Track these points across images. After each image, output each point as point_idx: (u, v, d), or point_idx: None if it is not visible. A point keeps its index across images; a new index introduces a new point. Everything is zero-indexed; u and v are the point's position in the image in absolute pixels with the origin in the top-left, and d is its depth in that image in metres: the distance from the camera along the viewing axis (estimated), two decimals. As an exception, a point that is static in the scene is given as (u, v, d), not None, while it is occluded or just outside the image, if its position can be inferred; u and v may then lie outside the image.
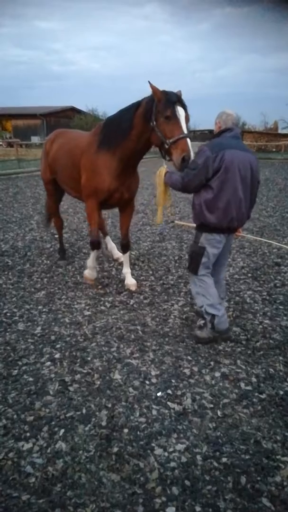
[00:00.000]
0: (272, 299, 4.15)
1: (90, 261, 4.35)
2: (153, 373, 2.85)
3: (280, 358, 3.09)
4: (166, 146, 3.18)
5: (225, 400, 2.58)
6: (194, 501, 1.88)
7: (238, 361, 3.03)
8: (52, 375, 2.82)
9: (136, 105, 3.50)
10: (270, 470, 2.06)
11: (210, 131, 40.35)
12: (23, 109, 40.97)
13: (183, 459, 2.11)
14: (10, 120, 40.99)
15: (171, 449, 2.18)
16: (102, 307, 3.92)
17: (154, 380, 2.77)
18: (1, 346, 3.22)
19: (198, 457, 2.13)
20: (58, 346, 3.21)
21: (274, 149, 31.00)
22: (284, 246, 5.08)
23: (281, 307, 3.97)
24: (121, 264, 4.64)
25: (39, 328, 3.49)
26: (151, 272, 4.87)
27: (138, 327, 3.51)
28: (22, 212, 8.43)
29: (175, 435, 2.28)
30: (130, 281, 4.36)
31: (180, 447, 2.19)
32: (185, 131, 3.13)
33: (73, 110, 40.73)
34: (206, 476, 2.02)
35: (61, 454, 2.14)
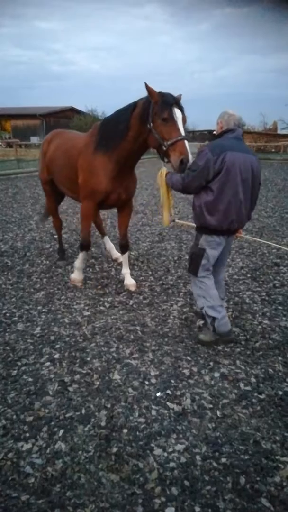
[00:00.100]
0: (271, 299, 4.16)
1: (78, 263, 4.38)
2: (152, 373, 2.85)
3: (279, 358, 3.09)
4: (164, 148, 3.19)
5: (225, 401, 2.58)
6: (194, 501, 1.88)
7: (238, 362, 3.03)
8: (52, 376, 2.82)
9: (133, 106, 3.50)
10: (270, 470, 2.07)
11: (210, 132, 40.46)
12: (23, 109, 40.97)
13: (183, 460, 2.11)
14: (10, 120, 40.96)
15: (170, 450, 2.18)
16: (102, 308, 3.92)
17: (153, 381, 2.77)
18: (1, 346, 3.22)
19: (198, 457, 2.13)
20: (57, 346, 3.21)
21: (273, 150, 31.01)
22: (283, 247, 5.08)
23: (280, 307, 3.97)
24: (120, 264, 4.64)
25: (39, 328, 3.49)
26: (150, 273, 4.87)
27: (138, 328, 3.51)
28: (21, 213, 8.43)
29: (174, 436, 2.28)
30: (130, 282, 4.37)
31: (179, 447, 2.19)
32: (183, 133, 3.14)
33: (73, 111, 40.71)
34: (205, 476, 2.02)
35: (61, 454, 2.14)
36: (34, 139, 32.80)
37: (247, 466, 2.08)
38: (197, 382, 2.77)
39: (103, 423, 2.36)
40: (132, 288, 4.31)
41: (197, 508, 1.85)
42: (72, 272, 4.55)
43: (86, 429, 2.32)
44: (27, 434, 2.29)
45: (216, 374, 2.86)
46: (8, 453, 2.15)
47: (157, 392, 2.65)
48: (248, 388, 2.72)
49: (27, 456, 2.13)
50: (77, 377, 2.81)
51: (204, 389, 2.69)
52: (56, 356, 3.07)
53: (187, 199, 9.37)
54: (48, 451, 2.17)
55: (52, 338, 3.33)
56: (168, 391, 2.66)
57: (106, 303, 4.01)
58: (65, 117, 38.61)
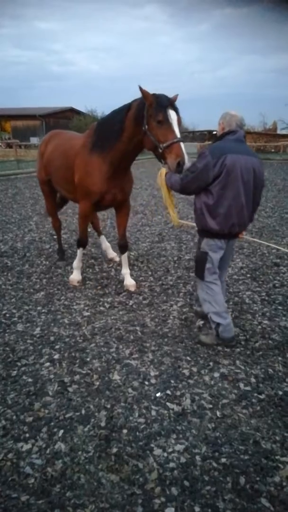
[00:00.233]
0: (271, 299, 4.16)
1: (76, 262, 4.50)
2: (152, 373, 2.85)
3: (279, 358, 3.09)
4: (160, 151, 3.18)
5: (224, 401, 2.58)
6: (193, 501, 1.88)
7: (237, 362, 3.03)
8: (51, 376, 2.82)
9: (127, 107, 3.50)
10: (269, 470, 2.07)
11: (210, 132, 40.49)
12: (22, 110, 41.00)
13: (182, 460, 2.11)
14: (9, 121, 40.99)
15: (170, 450, 2.18)
16: (101, 308, 3.92)
17: (153, 381, 2.77)
18: (0, 347, 3.22)
19: (197, 457, 2.13)
20: (57, 347, 3.21)
21: (273, 150, 31.03)
22: (282, 248, 5.07)
23: (280, 307, 3.97)
24: (120, 264, 4.64)
25: (38, 329, 3.49)
26: (150, 273, 4.88)
27: (137, 328, 3.51)
28: (21, 213, 8.43)
29: (174, 436, 2.28)
30: (129, 282, 4.37)
31: (179, 447, 2.19)
32: (178, 135, 3.13)
33: (72, 111, 40.74)
34: (205, 476, 2.02)
35: (60, 454, 2.14)
36: (34, 140, 32.84)
37: (247, 466, 2.08)
38: (197, 382, 2.77)
39: (103, 424, 2.36)
40: (132, 289, 4.32)
41: (197, 508, 1.85)
42: (72, 273, 4.56)
43: (86, 429, 2.32)
44: (27, 435, 2.29)
45: (216, 374, 2.86)
46: (8, 453, 2.15)
47: (157, 393, 2.65)
48: (248, 388, 2.72)
49: (27, 457, 2.13)
50: (77, 377, 2.81)
51: (204, 389, 2.69)
52: (56, 356, 3.07)
53: (186, 199, 9.37)
54: (48, 451, 2.17)
55: (52, 338, 3.33)
56: (168, 392, 2.66)
57: (106, 304, 4.01)
58: (65, 117, 38.64)
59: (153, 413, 2.46)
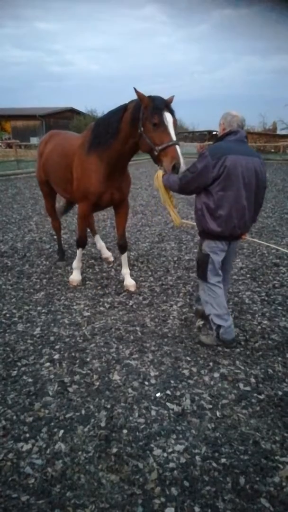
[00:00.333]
0: (270, 299, 4.16)
1: (76, 263, 4.51)
2: (152, 373, 2.86)
3: (279, 358, 3.09)
4: (156, 153, 3.18)
5: (224, 401, 2.59)
6: (193, 501, 1.89)
7: (237, 362, 3.03)
8: (52, 376, 2.83)
9: (123, 109, 3.50)
10: (269, 470, 2.07)
11: (210, 132, 40.49)
12: (22, 110, 40.97)
13: (182, 460, 2.12)
14: (9, 121, 40.98)
15: (170, 450, 2.18)
16: (101, 308, 3.93)
17: (153, 381, 2.78)
18: (1, 347, 3.22)
19: (197, 457, 2.13)
20: (57, 347, 3.21)
21: (272, 150, 31.06)
22: (282, 249, 5.07)
23: (279, 307, 3.97)
24: (120, 265, 4.65)
25: (38, 329, 3.50)
26: (150, 273, 4.88)
27: (137, 328, 3.51)
28: (21, 213, 8.43)
29: (174, 436, 2.28)
30: (129, 282, 4.37)
31: (179, 447, 2.20)
32: (174, 137, 3.13)
33: (73, 111, 40.74)
34: (205, 476, 2.02)
35: (61, 455, 2.15)
36: (34, 140, 32.81)
37: (246, 467, 2.08)
38: (197, 383, 2.78)
39: (103, 424, 2.36)
40: (132, 289, 4.32)
41: (196, 509, 1.85)
42: (72, 273, 4.56)
43: (86, 429, 2.33)
44: (27, 435, 2.29)
45: (216, 375, 2.86)
46: (8, 453, 2.15)
47: (157, 393, 2.65)
48: (248, 388, 2.72)
49: (27, 457, 2.13)
50: (77, 377, 2.81)
51: (204, 390, 2.70)
52: (56, 356, 3.07)
53: (186, 199, 9.38)
54: (48, 451, 2.17)
55: (52, 338, 3.34)
56: (168, 392, 2.66)
57: (106, 304, 4.01)
58: (65, 117, 38.63)
59: (153, 413, 2.46)
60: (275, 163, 22.41)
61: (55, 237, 5.84)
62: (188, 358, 3.07)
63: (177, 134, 3.22)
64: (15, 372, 2.89)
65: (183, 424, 2.38)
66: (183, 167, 3.03)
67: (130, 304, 4.02)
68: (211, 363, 3.01)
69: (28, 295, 4.23)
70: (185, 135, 43.44)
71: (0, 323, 3.62)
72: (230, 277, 3.59)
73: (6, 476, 2.02)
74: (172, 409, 2.50)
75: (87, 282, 4.56)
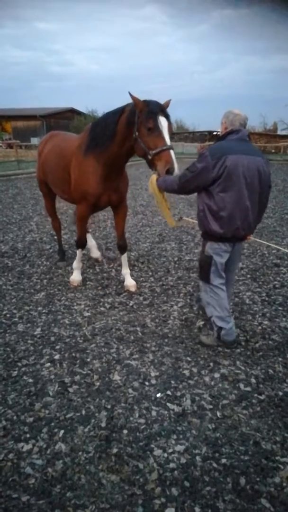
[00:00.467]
0: (271, 300, 4.16)
1: (76, 263, 4.52)
2: (152, 374, 2.86)
3: (279, 359, 3.09)
4: (150, 157, 3.17)
5: (225, 401, 2.59)
6: (194, 502, 1.89)
7: (238, 362, 3.03)
8: (52, 376, 2.83)
9: (120, 111, 3.50)
10: (270, 471, 2.07)
11: (210, 132, 40.50)
12: (23, 110, 41.03)
13: (183, 460, 2.12)
14: (10, 121, 41.03)
15: (170, 450, 2.18)
16: (102, 308, 3.93)
17: (153, 381, 2.78)
18: (1, 347, 3.22)
19: (198, 458, 2.13)
20: (57, 347, 3.21)
21: (273, 150, 31.04)
22: (283, 249, 5.08)
23: (280, 308, 3.97)
24: (120, 265, 4.65)
25: (39, 329, 3.50)
26: (150, 273, 4.88)
27: (138, 328, 3.51)
28: (21, 213, 8.44)
29: (174, 436, 2.28)
30: (130, 282, 4.38)
31: (179, 448, 2.20)
32: (168, 142, 3.12)
33: (73, 112, 40.78)
34: (205, 477, 2.02)
35: (61, 455, 2.15)
36: (35, 140, 32.83)
37: (247, 467, 2.08)
38: (197, 383, 2.78)
39: (103, 424, 2.36)
40: (132, 289, 4.32)
41: (197, 509, 1.85)
42: (72, 273, 4.57)
43: (86, 430, 2.33)
44: (28, 435, 2.29)
45: (216, 375, 2.86)
46: (9, 454, 2.16)
47: (157, 393, 2.65)
48: (248, 388, 2.72)
49: (27, 457, 2.13)
50: (77, 378, 2.81)
51: (204, 390, 2.70)
52: (57, 357, 3.07)
53: (186, 199, 9.38)
54: (48, 452, 2.17)
55: (52, 339, 3.34)
56: (168, 392, 2.66)
57: (106, 304, 4.02)
58: (65, 118, 38.68)
59: (154, 413, 2.46)
60: (275, 163, 22.40)
61: (55, 237, 5.84)
62: (189, 359, 3.07)
63: (172, 138, 3.21)
64: (16, 372, 2.89)
65: (184, 424, 2.38)
66: (177, 171, 3.02)
67: (131, 304, 4.02)
68: (211, 364, 3.01)
69: (29, 295, 4.23)
70: (186, 135, 43.44)
71: (0, 323, 3.62)
72: (234, 278, 3.54)
73: (7, 476, 2.02)
74: (173, 410, 2.50)
75: (88, 283, 4.56)
